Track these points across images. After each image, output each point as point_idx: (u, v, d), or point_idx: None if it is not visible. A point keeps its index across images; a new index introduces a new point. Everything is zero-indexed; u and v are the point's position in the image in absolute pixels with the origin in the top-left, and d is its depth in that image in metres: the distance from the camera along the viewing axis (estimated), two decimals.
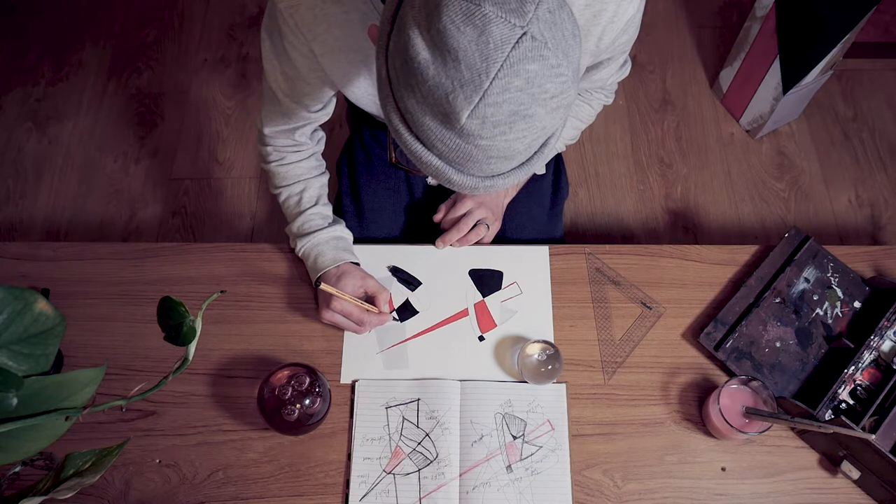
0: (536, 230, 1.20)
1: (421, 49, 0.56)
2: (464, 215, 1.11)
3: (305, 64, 0.87)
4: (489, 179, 0.64)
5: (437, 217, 1.14)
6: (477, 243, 1.10)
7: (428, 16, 0.56)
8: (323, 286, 0.93)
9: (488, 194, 1.12)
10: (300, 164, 1.05)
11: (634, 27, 0.87)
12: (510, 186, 0.66)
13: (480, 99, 0.55)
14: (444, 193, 1.20)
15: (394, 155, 0.81)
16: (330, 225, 1.05)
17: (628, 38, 0.88)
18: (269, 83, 0.93)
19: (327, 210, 1.07)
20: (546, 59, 0.55)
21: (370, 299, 1.00)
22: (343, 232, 1.06)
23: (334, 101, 1.00)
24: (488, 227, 1.11)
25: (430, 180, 1.23)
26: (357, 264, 1.04)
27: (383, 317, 0.99)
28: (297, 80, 0.91)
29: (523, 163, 0.64)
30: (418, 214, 1.21)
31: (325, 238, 1.03)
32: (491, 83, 0.55)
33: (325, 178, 1.09)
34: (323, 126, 1.07)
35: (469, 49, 0.54)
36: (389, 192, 1.21)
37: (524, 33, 0.54)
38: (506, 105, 0.56)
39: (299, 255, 1.04)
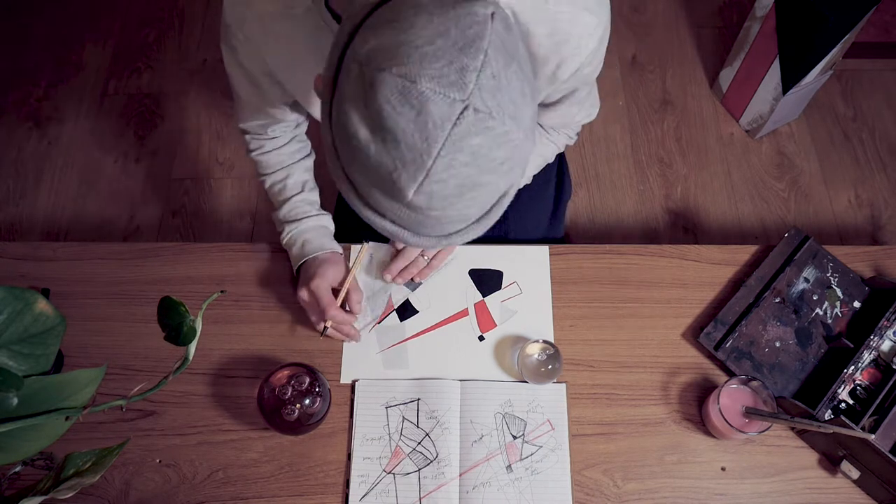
0: (539, 231, 1.20)
1: (360, 127, 0.54)
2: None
3: (264, 77, 0.87)
4: (446, 238, 0.63)
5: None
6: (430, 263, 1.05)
7: (364, 93, 0.53)
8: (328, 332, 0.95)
9: None
10: (280, 150, 1.04)
11: (599, 59, 0.85)
12: (468, 240, 0.65)
13: (425, 177, 0.53)
14: None
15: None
16: (318, 213, 1.04)
17: (592, 69, 0.86)
18: (234, 88, 0.94)
19: (313, 196, 1.06)
20: (492, 130, 0.53)
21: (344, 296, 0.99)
22: (329, 222, 1.05)
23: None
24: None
25: None
26: (341, 254, 1.03)
27: (349, 316, 0.97)
28: (259, 89, 0.91)
29: (480, 217, 0.62)
30: None
31: (312, 225, 1.02)
32: (434, 162, 0.52)
33: (310, 161, 1.08)
34: (317, 121, 1.06)
35: (408, 129, 0.52)
36: None
37: (465, 107, 0.51)
38: (452, 180, 0.54)
39: (284, 241, 1.03)
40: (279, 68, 0.85)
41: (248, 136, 1.04)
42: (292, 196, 1.03)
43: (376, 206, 0.59)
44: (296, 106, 0.98)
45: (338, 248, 1.03)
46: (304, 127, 1.07)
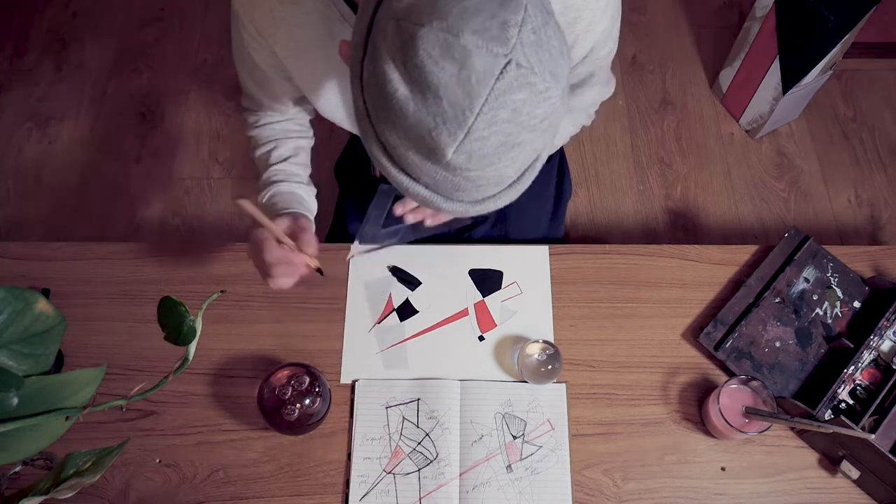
0: (539, 231, 1.20)
1: (398, 85, 0.53)
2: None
3: (271, 68, 0.87)
4: (479, 204, 0.61)
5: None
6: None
7: (402, 48, 0.52)
8: (241, 202, 0.80)
9: None
10: (273, 126, 1.01)
11: (613, 40, 0.84)
12: (500, 207, 0.63)
13: (465, 135, 0.52)
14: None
15: (377, 171, 0.76)
16: (296, 182, 0.98)
17: (608, 51, 0.86)
18: (242, 81, 0.94)
19: (297, 169, 0.99)
20: (534, 86, 0.52)
21: (295, 240, 0.88)
22: (305, 193, 0.99)
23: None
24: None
25: None
26: (308, 219, 0.94)
27: (297, 255, 0.86)
28: (266, 81, 0.91)
29: (513, 182, 0.61)
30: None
31: (286, 190, 0.96)
32: (476, 119, 0.51)
33: (304, 143, 1.03)
34: (318, 121, 1.05)
35: (450, 85, 0.50)
36: (391, 194, 1.20)
37: (508, 62, 0.50)
38: (493, 138, 0.53)
39: (259, 201, 0.96)
40: (287, 57, 0.84)
41: (246, 113, 1.03)
42: (273, 164, 0.98)
43: (410, 170, 0.58)
44: (302, 101, 0.98)
45: (304, 213, 0.95)
46: (307, 114, 1.05)
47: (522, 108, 0.52)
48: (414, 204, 0.94)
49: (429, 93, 0.51)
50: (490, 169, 0.55)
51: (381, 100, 0.55)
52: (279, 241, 0.85)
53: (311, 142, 1.06)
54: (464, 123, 0.52)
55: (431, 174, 0.57)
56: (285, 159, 1.00)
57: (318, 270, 0.91)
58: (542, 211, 1.21)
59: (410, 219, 0.96)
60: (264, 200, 0.97)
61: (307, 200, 0.99)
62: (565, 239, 1.25)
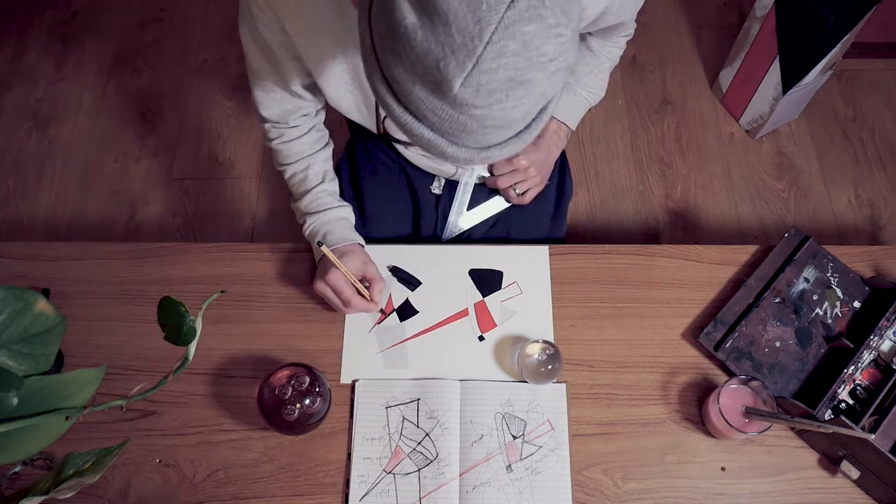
0: (541, 231, 1.20)
1: (407, 13, 0.52)
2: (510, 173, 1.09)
3: (280, 47, 0.87)
4: (485, 151, 0.60)
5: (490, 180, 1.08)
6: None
7: None
8: (325, 249, 0.91)
9: (538, 154, 1.09)
10: (300, 140, 1.04)
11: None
12: (505, 157, 0.63)
13: (474, 66, 0.51)
14: (449, 200, 1.20)
15: (382, 126, 0.76)
16: (339, 205, 1.04)
17: (634, 2, 0.89)
18: (251, 65, 0.94)
19: (333, 186, 1.06)
20: (544, 19, 0.51)
21: (366, 285, 0.99)
22: (350, 213, 1.06)
23: (316, 88, 1.00)
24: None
25: (435, 188, 1.23)
26: (363, 246, 1.03)
27: (371, 305, 0.97)
28: (277, 66, 0.91)
29: (521, 131, 0.60)
30: (422, 222, 1.21)
31: (335, 217, 1.03)
32: (485, 48, 0.51)
33: (329, 151, 1.08)
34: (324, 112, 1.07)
35: (460, 11, 0.50)
36: (393, 198, 1.20)
37: None
38: (501, 71, 0.52)
39: (306, 232, 1.03)
40: (297, 35, 0.84)
41: (267, 125, 1.04)
42: (313, 187, 1.03)
43: (416, 109, 0.57)
44: (312, 88, 0.98)
45: (359, 239, 1.03)
46: (322, 116, 1.08)
47: (532, 42, 0.52)
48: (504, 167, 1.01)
49: (438, 20, 0.51)
50: (497, 108, 0.55)
51: (388, 30, 0.55)
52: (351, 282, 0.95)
53: (332, 145, 1.10)
54: (472, 52, 0.51)
55: (437, 111, 0.56)
56: (323, 179, 1.04)
57: (382, 311, 1.02)
58: (544, 211, 1.21)
59: (503, 183, 1.03)
60: (312, 227, 1.02)
61: (352, 218, 1.06)
62: (565, 239, 1.25)
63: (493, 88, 0.53)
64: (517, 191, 1.11)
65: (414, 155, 1.16)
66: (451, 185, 1.23)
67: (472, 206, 1.17)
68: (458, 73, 0.52)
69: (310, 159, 1.05)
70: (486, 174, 1.12)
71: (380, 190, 1.19)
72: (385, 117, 0.72)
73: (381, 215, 1.19)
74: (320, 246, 0.92)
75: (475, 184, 1.16)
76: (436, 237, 1.19)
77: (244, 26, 0.89)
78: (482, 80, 0.52)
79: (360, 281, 0.98)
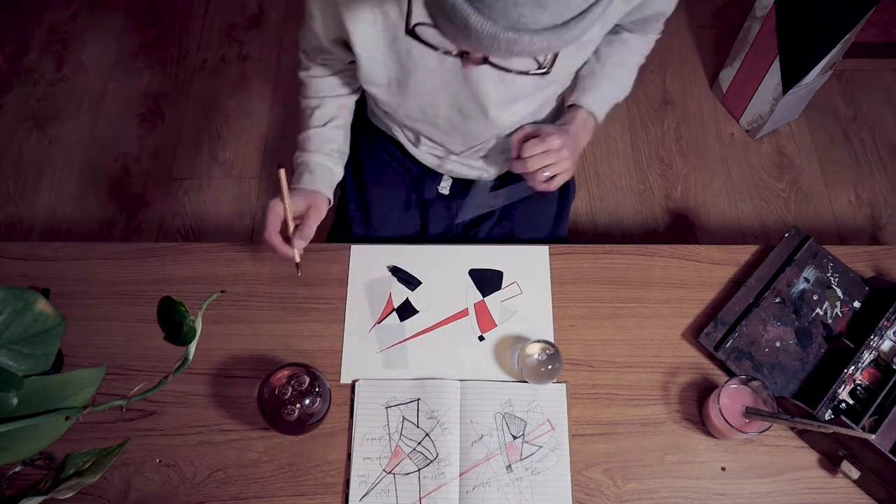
0: (544, 231, 1.21)
1: None
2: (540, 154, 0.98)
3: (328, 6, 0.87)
4: (514, 33, 0.54)
5: (515, 153, 1.01)
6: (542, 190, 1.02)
7: None
8: (281, 173, 0.92)
9: (569, 138, 1.00)
10: (324, 79, 1.05)
11: None
12: (539, 54, 0.57)
13: None
14: (453, 202, 1.19)
15: (410, 21, 0.72)
16: (327, 153, 1.04)
17: None
18: (308, 7, 0.93)
19: (334, 134, 1.05)
20: None
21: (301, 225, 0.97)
22: (334, 164, 1.05)
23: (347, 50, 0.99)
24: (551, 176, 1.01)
25: (443, 188, 1.23)
26: (329, 202, 1.03)
27: (284, 247, 0.95)
28: (323, 13, 0.91)
29: (558, 25, 0.54)
30: (430, 222, 1.21)
31: (318, 161, 1.03)
32: None
33: (348, 101, 1.08)
34: None
35: None
36: (397, 197, 1.20)
37: None
38: None
39: (294, 164, 1.04)
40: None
41: (302, 55, 1.05)
42: (315, 127, 1.04)
43: None
44: (341, 45, 0.97)
45: (323, 191, 1.02)
46: (354, 77, 1.06)
47: None
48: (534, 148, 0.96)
49: None
50: None
51: None
52: (286, 219, 0.95)
53: (356, 96, 1.09)
54: None
55: None
56: (326, 123, 1.04)
57: (297, 265, 0.98)
58: (547, 211, 1.22)
59: (532, 166, 0.96)
60: (300, 160, 1.03)
61: (335, 172, 1.05)
62: (567, 239, 1.25)
63: None
64: (546, 174, 1.00)
65: (423, 153, 1.16)
66: (458, 185, 1.22)
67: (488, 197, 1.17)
68: None
69: (323, 100, 1.05)
70: (499, 175, 1.09)
71: (384, 190, 1.19)
72: (415, 25, 0.69)
73: (385, 215, 1.19)
74: (280, 168, 0.92)
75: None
76: (445, 236, 1.19)
77: None
78: None
79: (295, 220, 0.97)
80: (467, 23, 0.54)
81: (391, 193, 1.20)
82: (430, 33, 0.65)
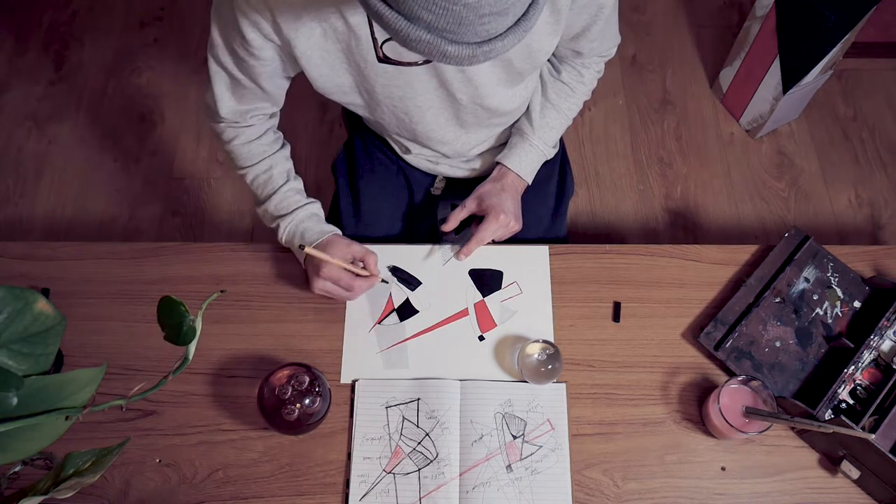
0: (541, 230, 1.20)
1: None
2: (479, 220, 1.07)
3: (260, 34, 0.84)
4: (486, 44, 0.59)
5: (448, 227, 1.08)
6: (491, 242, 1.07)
7: None
8: (308, 250, 0.91)
9: (502, 194, 1.07)
10: (260, 140, 1.03)
11: None
12: (507, 51, 0.61)
13: None
14: (446, 199, 1.20)
15: (381, 51, 0.74)
16: (307, 202, 1.03)
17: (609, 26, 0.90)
18: (221, 62, 0.91)
19: (299, 184, 1.05)
20: None
21: (361, 265, 0.99)
22: (318, 209, 1.05)
23: (285, 88, 0.99)
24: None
25: (436, 189, 1.23)
26: (340, 234, 1.02)
27: (372, 279, 0.98)
28: (250, 58, 0.88)
29: (519, 19, 0.59)
30: (418, 219, 1.21)
31: (306, 215, 1.02)
32: None
33: (287, 150, 1.07)
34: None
35: None
36: (390, 196, 1.20)
37: None
38: None
39: (282, 238, 1.02)
40: (284, 24, 0.82)
41: (222, 125, 1.02)
42: (279, 187, 1.02)
43: (408, 10, 0.57)
44: (279, 85, 0.97)
45: (334, 229, 1.02)
46: (277, 120, 1.07)
47: None
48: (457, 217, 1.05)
49: None
50: None
51: None
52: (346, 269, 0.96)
53: (289, 146, 1.08)
54: None
55: (429, 7, 0.55)
56: (288, 179, 1.04)
57: (384, 280, 1.04)
58: (545, 209, 1.22)
59: (448, 227, 1.06)
60: (288, 231, 1.02)
61: (321, 213, 1.05)
62: (566, 238, 1.25)
63: None
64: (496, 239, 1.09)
65: (415, 158, 1.16)
66: (451, 184, 1.23)
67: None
68: None
69: (272, 159, 1.03)
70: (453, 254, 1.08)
71: (377, 188, 1.19)
72: (383, 42, 0.71)
73: (377, 213, 1.19)
74: (303, 248, 0.91)
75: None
76: (434, 237, 1.19)
77: (217, 18, 0.86)
78: None
79: (352, 263, 0.98)
80: (445, 52, 0.59)
81: (383, 191, 1.20)
82: (400, 49, 0.65)
